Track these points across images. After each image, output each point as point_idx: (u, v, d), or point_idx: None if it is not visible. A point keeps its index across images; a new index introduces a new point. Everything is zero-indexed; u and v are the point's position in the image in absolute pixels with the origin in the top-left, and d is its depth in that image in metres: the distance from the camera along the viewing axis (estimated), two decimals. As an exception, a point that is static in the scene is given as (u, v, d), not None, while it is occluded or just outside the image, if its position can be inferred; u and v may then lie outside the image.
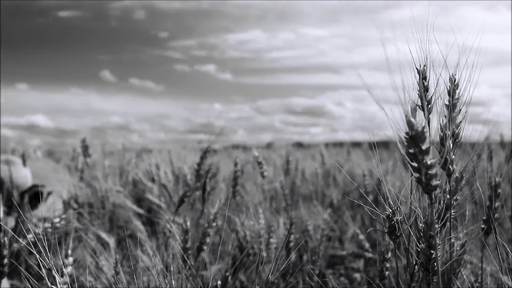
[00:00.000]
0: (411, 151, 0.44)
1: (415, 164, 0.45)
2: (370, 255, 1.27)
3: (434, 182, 0.46)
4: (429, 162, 0.44)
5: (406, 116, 0.43)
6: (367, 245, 1.27)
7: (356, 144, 2.72)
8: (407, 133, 0.44)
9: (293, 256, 1.19)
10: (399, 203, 0.69)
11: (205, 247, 0.88)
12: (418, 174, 0.45)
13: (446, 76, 0.70)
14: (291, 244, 1.10)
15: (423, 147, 0.43)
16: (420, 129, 0.43)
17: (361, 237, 1.28)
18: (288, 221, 1.12)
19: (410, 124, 0.43)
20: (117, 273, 0.84)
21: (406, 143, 0.44)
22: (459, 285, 0.74)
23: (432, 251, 0.64)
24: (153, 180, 1.66)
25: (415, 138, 0.43)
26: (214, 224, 0.88)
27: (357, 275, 1.49)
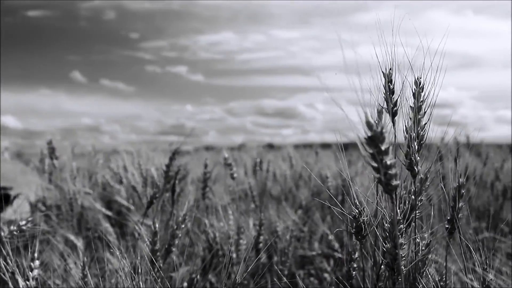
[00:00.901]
0: (370, 151, 0.45)
1: (374, 165, 0.45)
2: (339, 255, 1.28)
3: (394, 182, 0.46)
4: (388, 163, 0.45)
5: (365, 117, 0.44)
6: (336, 245, 1.28)
7: (327, 146, 2.74)
8: (366, 134, 0.44)
9: (263, 257, 1.19)
10: (365, 203, 0.70)
11: (173, 249, 0.87)
12: (378, 174, 0.46)
13: (413, 79, 0.72)
14: (260, 245, 1.10)
15: (382, 148, 0.44)
16: (378, 129, 0.43)
17: (331, 237, 1.29)
18: (257, 222, 1.12)
19: (369, 125, 0.44)
20: (84, 275, 0.83)
21: (366, 144, 0.45)
22: (424, 284, 0.75)
23: (397, 251, 0.65)
24: (121, 182, 1.64)
25: (373, 138, 0.44)
26: (183, 226, 0.88)
27: (326, 275, 1.50)
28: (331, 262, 1.45)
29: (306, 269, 1.58)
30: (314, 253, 1.40)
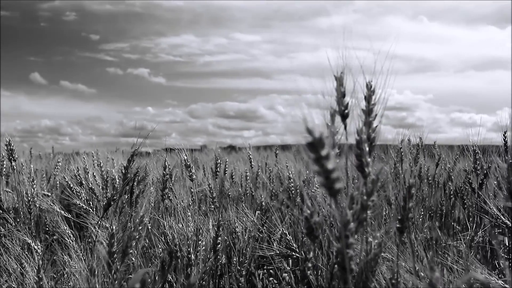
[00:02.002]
0: (312, 156, 0.46)
1: (317, 169, 0.46)
2: (297, 255, 1.30)
3: (337, 186, 0.48)
4: (329, 167, 0.46)
5: (305, 123, 0.45)
6: (294, 245, 1.30)
7: (288, 147, 2.77)
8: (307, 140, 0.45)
9: (222, 257, 1.20)
10: (322, 204, 0.71)
11: (131, 251, 0.88)
12: (321, 178, 0.47)
13: (372, 82, 0.74)
14: (219, 246, 1.11)
15: (322, 153, 0.45)
16: (318, 135, 0.45)
17: (289, 237, 1.31)
18: (216, 224, 1.13)
19: (308, 131, 0.45)
20: (40, 279, 0.83)
21: (307, 149, 0.46)
22: (375, 283, 0.77)
23: (348, 250, 0.66)
24: (81, 184, 1.63)
25: (314, 144, 0.45)
26: (140, 227, 0.88)
27: (285, 275, 1.52)
28: (290, 262, 1.47)
29: (265, 269, 1.59)
30: (272, 253, 1.42)
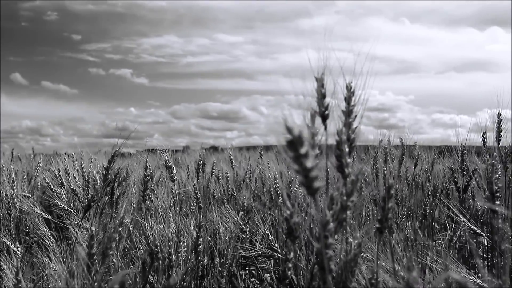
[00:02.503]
0: (291, 154, 0.46)
1: (296, 167, 0.47)
2: (279, 255, 1.30)
3: (316, 185, 0.48)
4: (308, 166, 0.47)
5: (284, 122, 0.45)
6: (276, 245, 1.31)
7: (270, 148, 2.78)
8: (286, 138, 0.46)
9: (203, 258, 1.20)
10: (298, 205, 0.72)
11: (111, 252, 0.87)
12: (300, 177, 0.47)
13: (352, 83, 0.74)
14: (200, 247, 1.11)
15: (301, 152, 0.46)
16: (297, 133, 0.45)
17: (271, 238, 1.31)
18: (197, 225, 1.13)
19: (288, 129, 0.45)
20: (18, 281, 0.82)
21: (286, 147, 0.46)
22: (355, 283, 0.78)
23: (327, 251, 0.67)
24: (62, 185, 1.62)
25: (293, 142, 0.45)
26: (120, 229, 0.88)
27: (267, 275, 1.53)
28: (272, 262, 1.47)
29: (247, 270, 1.59)
30: (255, 253, 1.42)
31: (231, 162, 2.05)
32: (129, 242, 1.24)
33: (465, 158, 1.46)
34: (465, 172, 1.47)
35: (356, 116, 0.74)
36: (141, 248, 1.17)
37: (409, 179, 1.63)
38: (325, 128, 0.73)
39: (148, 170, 1.20)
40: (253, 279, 1.56)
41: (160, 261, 1.11)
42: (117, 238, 0.87)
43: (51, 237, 1.30)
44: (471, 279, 0.99)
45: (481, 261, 1.12)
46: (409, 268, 0.79)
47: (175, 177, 1.25)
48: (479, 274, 1.04)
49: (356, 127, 0.74)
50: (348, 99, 0.73)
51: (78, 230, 1.04)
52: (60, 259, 0.88)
